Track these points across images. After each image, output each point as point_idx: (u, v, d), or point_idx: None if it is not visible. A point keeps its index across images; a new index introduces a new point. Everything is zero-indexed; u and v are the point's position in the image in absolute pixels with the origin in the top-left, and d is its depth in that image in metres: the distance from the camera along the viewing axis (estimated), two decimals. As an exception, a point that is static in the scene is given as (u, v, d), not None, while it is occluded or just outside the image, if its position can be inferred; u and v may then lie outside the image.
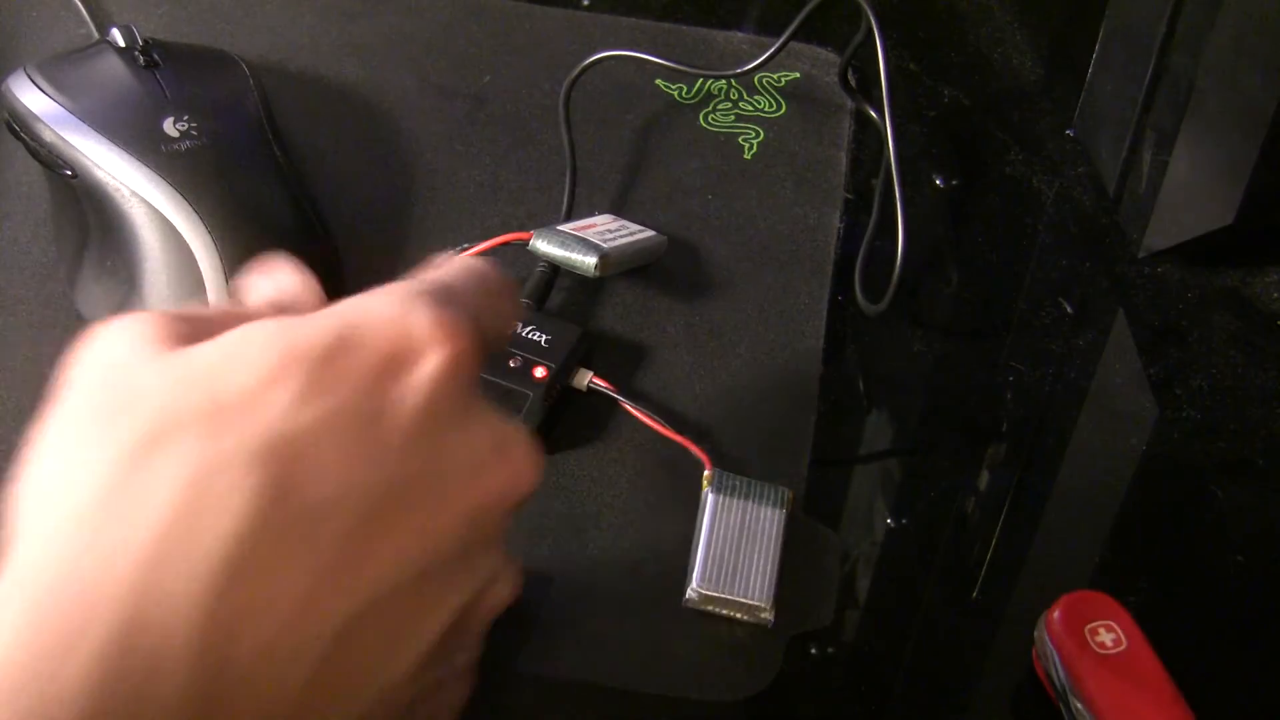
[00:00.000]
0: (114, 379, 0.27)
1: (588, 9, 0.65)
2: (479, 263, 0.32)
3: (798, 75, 0.63)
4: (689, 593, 0.45)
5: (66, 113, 0.50)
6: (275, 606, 0.24)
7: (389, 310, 0.29)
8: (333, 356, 0.27)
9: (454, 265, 0.32)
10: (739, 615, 0.45)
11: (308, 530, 0.25)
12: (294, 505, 0.25)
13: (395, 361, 0.28)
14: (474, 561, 0.29)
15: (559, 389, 0.49)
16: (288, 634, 0.25)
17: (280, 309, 0.31)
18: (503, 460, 0.29)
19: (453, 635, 0.29)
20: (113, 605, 0.23)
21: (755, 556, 0.46)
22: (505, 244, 0.52)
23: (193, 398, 0.26)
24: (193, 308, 0.31)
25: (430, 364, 0.28)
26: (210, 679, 0.24)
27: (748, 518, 0.46)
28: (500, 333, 0.33)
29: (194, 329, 0.28)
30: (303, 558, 0.25)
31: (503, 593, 0.31)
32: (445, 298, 0.30)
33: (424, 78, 0.61)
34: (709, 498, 0.47)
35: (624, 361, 0.52)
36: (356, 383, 0.27)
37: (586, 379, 0.50)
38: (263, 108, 0.53)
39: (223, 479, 0.25)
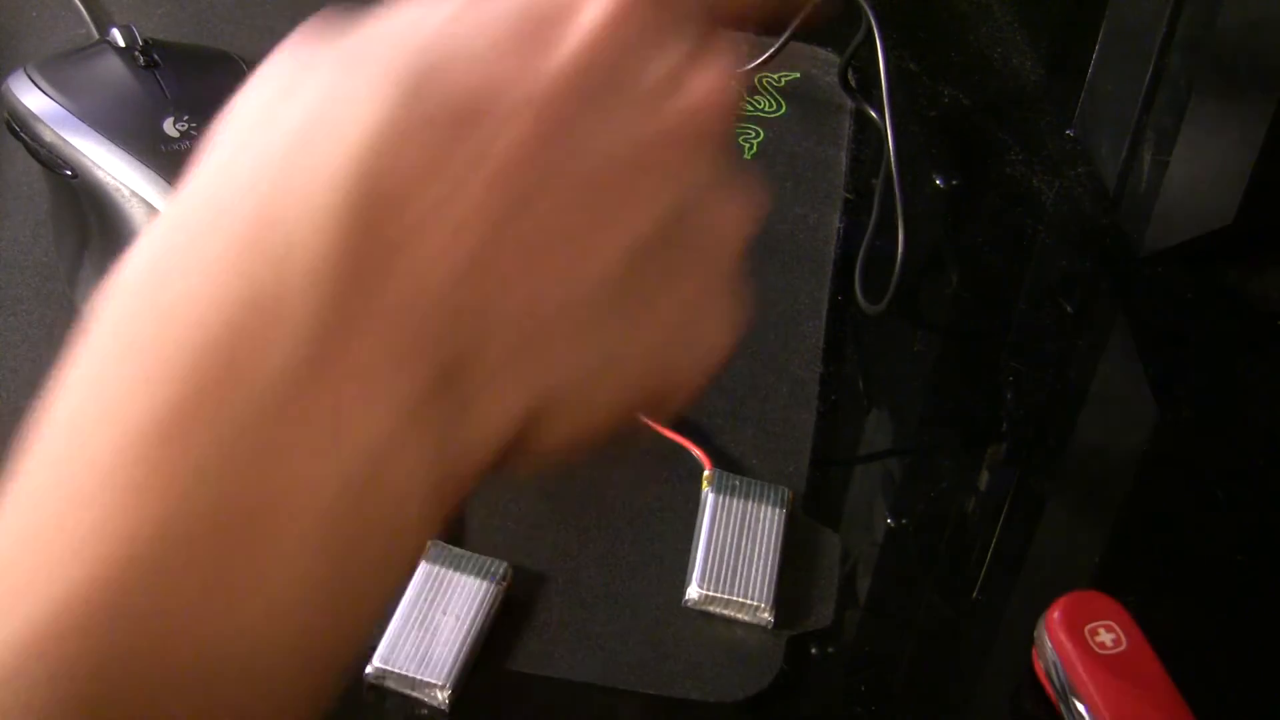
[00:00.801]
0: (283, 58, 0.28)
1: (588, 9, 0.65)
2: None
3: (798, 75, 0.63)
4: (689, 593, 0.45)
5: (66, 113, 0.50)
6: (416, 192, 0.24)
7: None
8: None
9: None
10: (739, 615, 0.45)
11: (449, 122, 0.25)
12: (431, 103, 0.25)
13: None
14: (669, 169, 0.27)
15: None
16: (434, 216, 0.24)
17: None
18: (692, 85, 0.28)
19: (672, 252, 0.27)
20: (248, 194, 0.24)
21: (755, 556, 0.46)
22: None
23: (347, 37, 0.27)
24: None
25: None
26: (352, 257, 0.24)
27: (748, 518, 0.46)
28: None
29: None
30: (448, 150, 0.25)
31: (731, 211, 0.28)
32: None
33: (424, 78, 0.61)
34: (709, 498, 0.47)
35: (624, 361, 0.52)
36: (510, 12, 0.26)
37: (586, 379, 0.50)
38: (263, 108, 0.53)
39: (358, 85, 0.25)
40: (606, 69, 0.26)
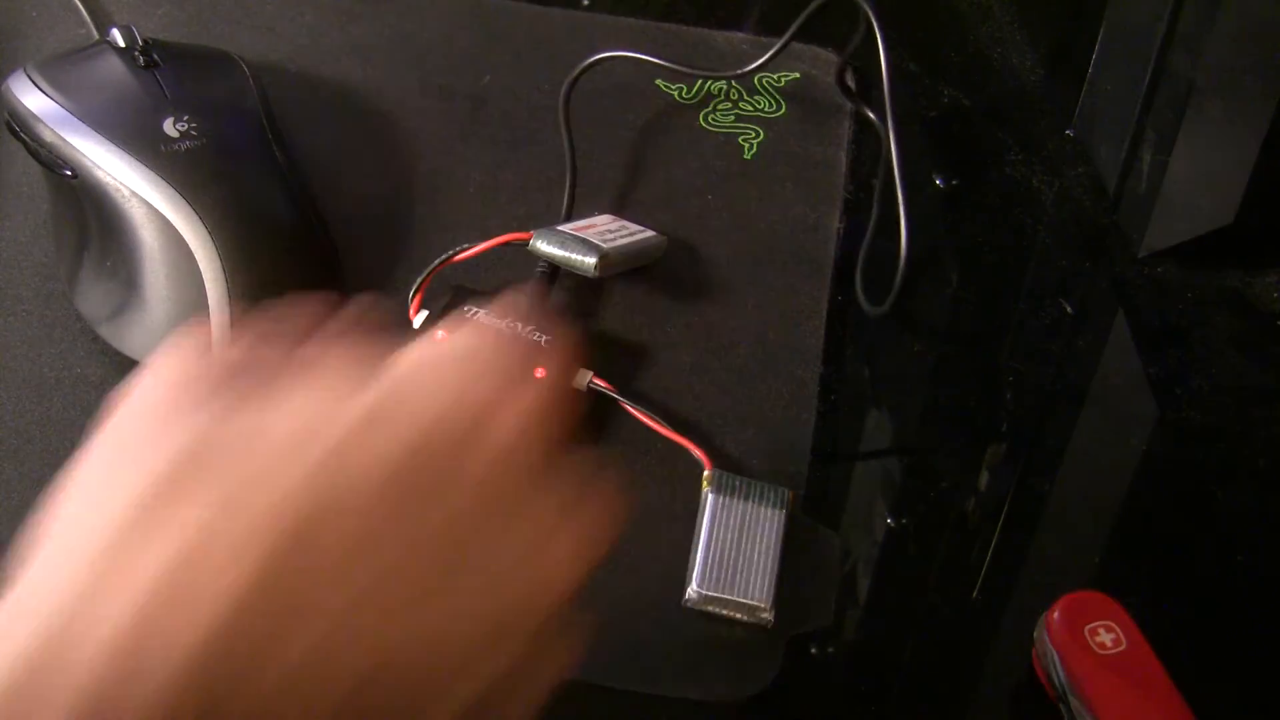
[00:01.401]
0: (151, 416, 0.26)
1: (588, 9, 0.65)
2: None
3: (798, 75, 0.63)
4: (689, 593, 0.45)
5: (66, 113, 0.50)
6: (256, 684, 0.24)
7: (439, 378, 0.27)
8: (364, 430, 0.26)
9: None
10: (739, 615, 0.45)
11: (303, 605, 0.24)
12: (292, 583, 0.24)
13: (442, 434, 0.27)
14: (498, 655, 0.28)
15: (559, 389, 0.49)
16: (269, 708, 0.24)
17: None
18: (554, 548, 0.28)
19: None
20: (83, 676, 0.23)
21: (755, 557, 0.46)
22: (505, 244, 0.52)
23: (219, 457, 0.25)
24: (230, 343, 0.30)
25: (491, 437, 0.27)
26: None
27: (748, 518, 0.46)
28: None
29: (234, 369, 0.28)
30: (295, 636, 0.24)
31: (534, 690, 0.29)
32: (511, 347, 0.28)
33: (424, 78, 0.61)
34: (709, 498, 0.47)
35: (624, 361, 0.52)
36: (390, 459, 0.26)
37: (586, 379, 0.50)
38: (263, 108, 0.53)
39: (225, 548, 0.24)
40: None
